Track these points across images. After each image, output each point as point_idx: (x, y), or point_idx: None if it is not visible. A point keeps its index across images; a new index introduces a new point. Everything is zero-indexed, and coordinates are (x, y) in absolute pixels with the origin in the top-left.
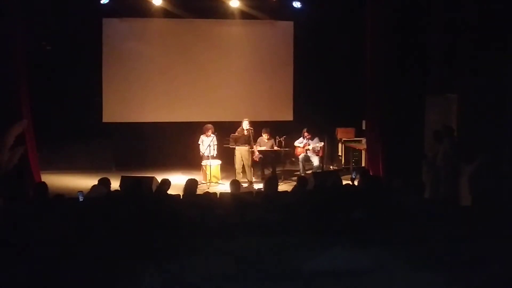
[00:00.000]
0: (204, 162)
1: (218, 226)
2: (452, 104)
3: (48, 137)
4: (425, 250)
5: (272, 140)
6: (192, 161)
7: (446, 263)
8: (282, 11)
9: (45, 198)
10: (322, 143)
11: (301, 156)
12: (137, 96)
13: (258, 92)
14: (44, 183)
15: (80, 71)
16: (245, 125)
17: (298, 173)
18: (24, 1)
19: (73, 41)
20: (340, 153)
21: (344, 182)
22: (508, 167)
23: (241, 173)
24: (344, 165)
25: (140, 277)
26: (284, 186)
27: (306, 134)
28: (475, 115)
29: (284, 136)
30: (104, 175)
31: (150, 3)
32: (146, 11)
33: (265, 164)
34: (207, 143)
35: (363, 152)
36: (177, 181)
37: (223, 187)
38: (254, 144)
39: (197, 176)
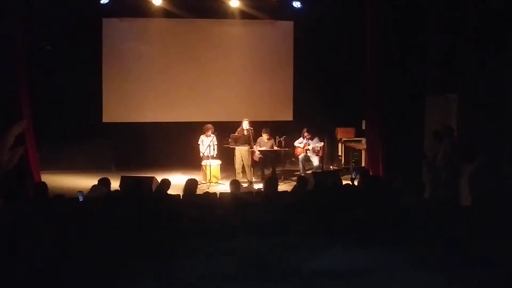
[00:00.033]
0: (204, 162)
1: (218, 226)
2: (452, 104)
3: (48, 137)
4: (425, 250)
5: (272, 140)
6: (192, 161)
7: (446, 263)
8: (282, 11)
9: (45, 198)
10: (322, 143)
11: (301, 156)
12: (137, 96)
13: (258, 92)
14: (44, 183)
15: (80, 71)
16: (245, 125)
17: (298, 173)
18: (24, 1)
19: (73, 41)
20: (340, 153)
21: (344, 182)
22: (508, 167)
23: (241, 173)
24: (344, 165)
25: (140, 277)
26: (284, 186)
27: (306, 134)
28: (475, 115)
29: (284, 136)
30: (104, 175)
31: (150, 3)
32: (146, 11)
33: (265, 164)
34: (207, 143)
35: (363, 152)
36: (177, 181)
37: (223, 187)
38: (254, 144)
39: (197, 176)
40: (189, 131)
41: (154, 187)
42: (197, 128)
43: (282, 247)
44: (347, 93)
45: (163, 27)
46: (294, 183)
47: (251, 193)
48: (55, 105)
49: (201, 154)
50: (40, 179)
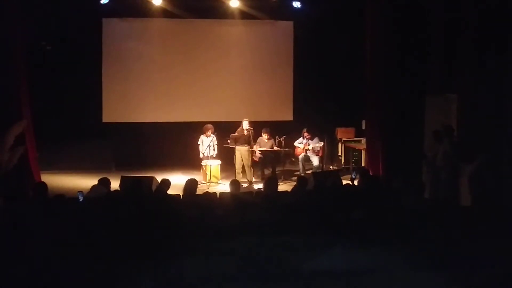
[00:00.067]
0: (204, 162)
1: (218, 226)
2: (452, 104)
3: (48, 137)
4: (425, 250)
5: (272, 140)
6: (192, 161)
7: (446, 263)
8: (282, 11)
9: (45, 198)
10: (322, 143)
11: (301, 156)
12: (137, 96)
13: (258, 92)
14: (44, 183)
15: (80, 71)
16: (245, 125)
17: (298, 173)
18: (24, 1)
19: (73, 41)
20: (340, 153)
21: (344, 182)
22: (508, 167)
23: (241, 173)
24: (344, 165)
25: (140, 277)
26: (284, 186)
27: (306, 134)
28: (475, 115)
29: (284, 136)
30: (104, 175)
31: (150, 3)
32: (146, 11)
33: (265, 164)
34: (207, 143)
35: (363, 152)
36: (177, 181)
37: (223, 187)
38: (254, 144)
39: (197, 176)
40: (189, 131)
41: (154, 187)
42: (197, 128)
43: (282, 247)
44: (347, 93)
45: (163, 27)
46: (294, 183)
47: (251, 193)
48: (55, 105)
49: (201, 155)
50: (40, 179)
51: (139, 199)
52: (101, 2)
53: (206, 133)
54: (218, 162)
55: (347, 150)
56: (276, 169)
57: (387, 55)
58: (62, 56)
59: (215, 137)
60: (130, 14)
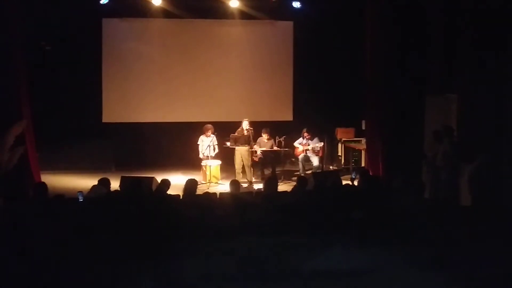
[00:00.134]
0: (204, 162)
1: (218, 226)
2: (452, 104)
3: (48, 137)
4: (425, 250)
5: (272, 140)
6: (192, 161)
7: (446, 263)
8: (282, 11)
9: (45, 198)
10: (322, 143)
11: (300, 156)
12: (137, 96)
13: (258, 92)
14: (44, 183)
15: (80, 71)
16: (245, 125)
17: (298, 173)
18: (24, 1)
19: (73, 41)
20: (340, 153)
21: (344, 182)
22: (508, 167)
23: (241, 173)
24: (344, 165)
25: (140, 277)
26: (284, 186)
27: (305, 134)
28: (475, 115)
29: (284, 136)
30: (104, 175)
31: (150, 3)
32: (146, 11)
33: (265, 164)
34: (207, 143)
35: (363, 152)
36: (177, 181)
37: (223, 187)
38: (254, 144)
39: (197, 177)
40: (189, 131)
41: (154, 187)
42: (197, 128)
43: (282, 247)
44: (347, 93)
45: (163, 27)
46: (294, 183)
47: (251, 193)
48: (55, 105)
49: (201, 155)
50: (40, 179)
51: (139, 199)
52: (101, 2)
53: (206, 133)
54: (218, 162)
55: (347, 150)
56: (276, 169)
57: (387, 55)
58: (62, 56)
59: (215, 137)
60: (130, 14)
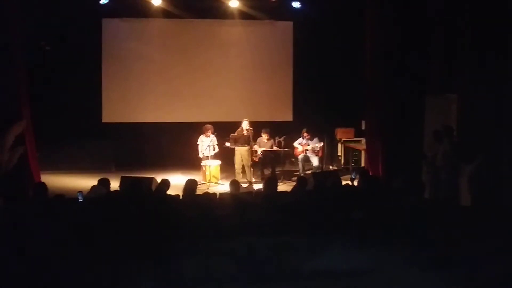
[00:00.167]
0: (203, 162)
1: (218, 226)
2: (452, 104)
3: (48, 137)
4: (425, 250)
5: (272, 141)
6: (192, 161)
7: (446, 263)
8: (282, 11)
9: (45, 198)
10: (322, 143)
11: (300, 156)
12: (137, 96)
13: (258, 92)
14: (44, 183)
15: (80, 71)
16: (245, 125)
17: (298, 173)
18: (24, 1)
19: (73, 41)
20: (339, 153)
21: (344, 182)
22: (508, 167)
23: (240, 173)
24: (344, 165)
25: (140, 277)
26: (283, 186)
27: (305, 134)
28: (475, 115)
29: (283, 136)
30: (104, 175)
31: (150, 3)
32: (145, 11)
33: (265, 164)
34: (207, 143)
35: (363, 152)
36: (177, 181)
37: (223, 187)
38: (254, 144)
39: (196, 177)
40: (189, 131)
41: (154, 187)
42: (197, 128)
43: (282, 247)
44: (347, 93)
45: (163, 27)
46: (294, 183)
47: (251, 193)
48: (55, 105)
49: (201, 155)
50: (40, 179)
51: (139, 200)
52: (101, 2)
53: (206, 133)
54: (218, 162)
55: (346, 150)
56: (276, 169)
57: (387, 55)
58: (62, 56)
59: (215, 137)
60: (130, 14)
